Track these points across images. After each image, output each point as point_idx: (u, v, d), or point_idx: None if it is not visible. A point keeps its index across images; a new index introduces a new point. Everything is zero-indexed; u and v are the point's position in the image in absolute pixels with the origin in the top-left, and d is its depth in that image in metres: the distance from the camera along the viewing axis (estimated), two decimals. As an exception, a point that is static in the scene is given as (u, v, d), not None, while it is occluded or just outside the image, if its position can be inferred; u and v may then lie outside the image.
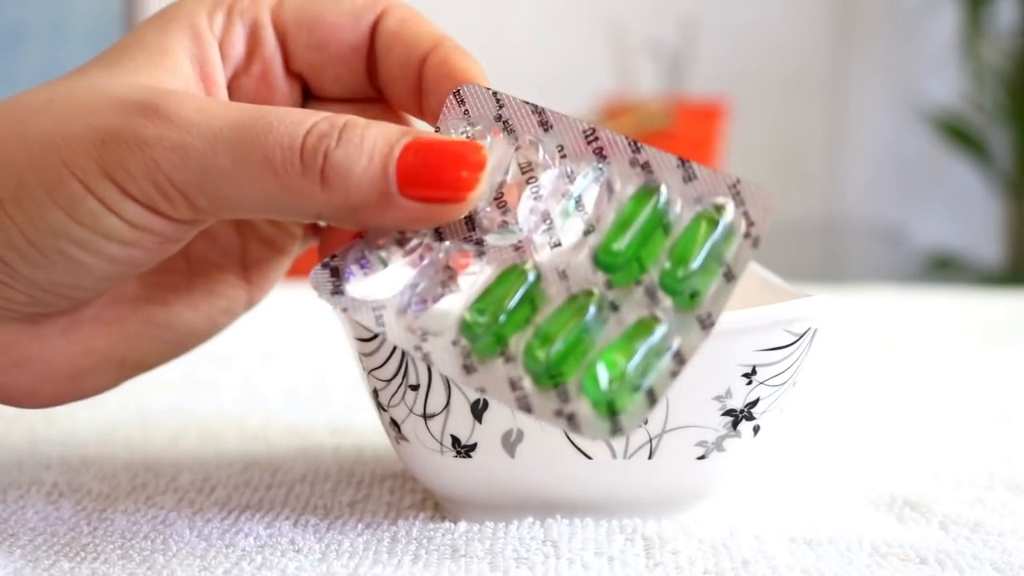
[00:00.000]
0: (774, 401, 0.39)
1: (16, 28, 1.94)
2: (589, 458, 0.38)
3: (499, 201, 0.36)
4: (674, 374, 0.33)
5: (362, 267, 0.36)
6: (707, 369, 0.37)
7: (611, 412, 0.33)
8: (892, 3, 2.54)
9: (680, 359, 0.33)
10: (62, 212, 0.35)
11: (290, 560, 0.36)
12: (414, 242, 0.36)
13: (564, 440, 0.37)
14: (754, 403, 0.38)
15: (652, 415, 0.37)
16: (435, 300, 0.35)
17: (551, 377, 0.33)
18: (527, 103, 0.37)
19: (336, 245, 0.39)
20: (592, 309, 0.34)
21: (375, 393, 0.39)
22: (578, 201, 0.36)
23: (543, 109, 0.37)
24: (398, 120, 0.42)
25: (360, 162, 0.35)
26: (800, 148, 2.55)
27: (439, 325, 0.35)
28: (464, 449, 0.38)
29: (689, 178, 0.36)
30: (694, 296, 0.34)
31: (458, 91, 0.38)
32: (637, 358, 0.33)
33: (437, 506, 0.41)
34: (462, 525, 0.39)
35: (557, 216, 0.36)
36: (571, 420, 0.33)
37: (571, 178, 0.37)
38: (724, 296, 0.34)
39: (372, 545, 0.37)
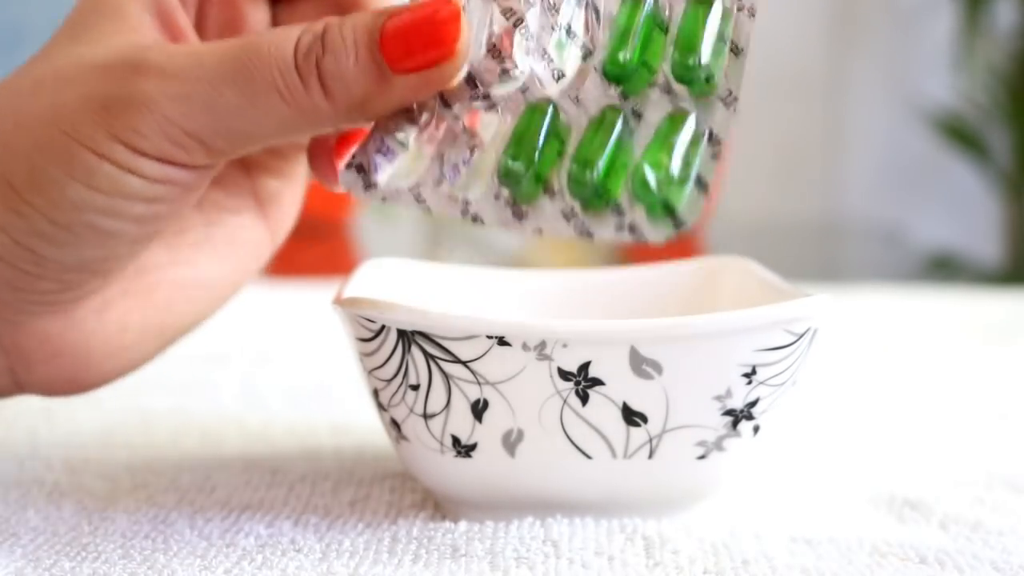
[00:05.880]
0: (774, 401, 0.39)
1: (16, 28, 1.94)
2: (589, 458, 0.38)
3: (493, 52, 0.37)
4: (715, 156, 0.34)
5: (384, 155, 0.37)
6: (707, 369, 0.37)
7: (668, 210, 0.34)
8: (892, 3, 2.54)
9: (717, 140, 0.34)
10: (81, 184, 0.35)
11: (291, 560, 0.36)
12: (425, 117, 0.37)
13: (564, 440, 0.37)
14: (754, 403, 0.38)
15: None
16: (466, 163, 0.36)
17: (599, 197, 0.34)
18: None
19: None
20: (619, 122, 0.35)
21: (375, 393, 0.39)
22: (568, 30, 0.37)
23: None
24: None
25: (349, 60, 0.35)
26: (800, 148, 2.55)
27: (478, 183, 0.36)
28: (464, 449, 0.38)
29: None
30: (709, 79, 0.35)
31: None
32: (678, 152, 0.34)
33: (437, 506, 0.41)
34: (462, 525, 0.39)
35: (553, 50, 0.37)
36: (633, 230, 0.34)
37: (555, 9, 0.37)
38: (738, 71, 0.35)
39: (372, 545, 0.37)
